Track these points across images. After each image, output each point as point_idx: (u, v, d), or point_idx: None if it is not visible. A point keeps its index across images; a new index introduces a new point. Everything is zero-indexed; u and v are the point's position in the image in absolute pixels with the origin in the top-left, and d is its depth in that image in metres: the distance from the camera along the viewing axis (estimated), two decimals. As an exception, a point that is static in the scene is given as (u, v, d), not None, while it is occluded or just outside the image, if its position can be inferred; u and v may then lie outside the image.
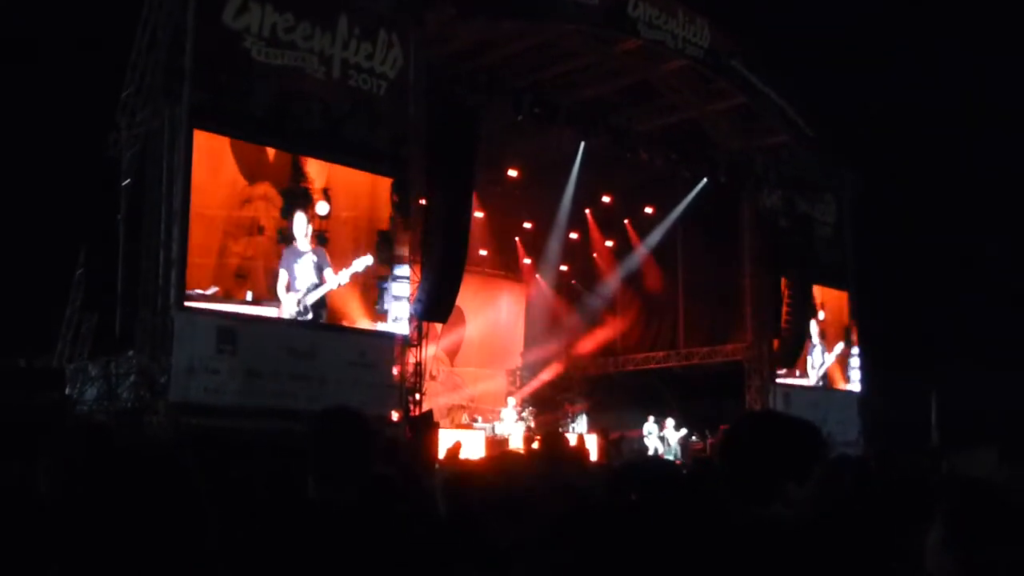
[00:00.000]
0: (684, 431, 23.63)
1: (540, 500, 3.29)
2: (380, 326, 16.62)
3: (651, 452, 22.91)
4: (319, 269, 15.95)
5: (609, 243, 29.09)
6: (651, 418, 23.65)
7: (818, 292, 25.77)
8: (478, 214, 24.27)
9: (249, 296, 15.11)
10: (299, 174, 15.90)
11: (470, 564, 2.92)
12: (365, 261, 16.47)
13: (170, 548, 1.79)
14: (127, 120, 16.09)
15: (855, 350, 26.97)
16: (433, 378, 21.81)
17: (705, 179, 25.03)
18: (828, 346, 26.28)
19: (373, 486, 3.10)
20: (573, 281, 29.56)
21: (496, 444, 20.05)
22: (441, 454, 14.66)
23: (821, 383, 25.84)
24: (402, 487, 4.89)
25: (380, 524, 2.96)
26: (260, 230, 15.35)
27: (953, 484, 2.20)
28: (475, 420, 22.96)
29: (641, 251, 28.06)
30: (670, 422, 23.46)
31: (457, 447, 12.11)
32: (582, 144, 23.66)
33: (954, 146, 27.12)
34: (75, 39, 18.62)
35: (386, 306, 16.69)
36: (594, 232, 28.76)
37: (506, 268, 28.24)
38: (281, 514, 3.04)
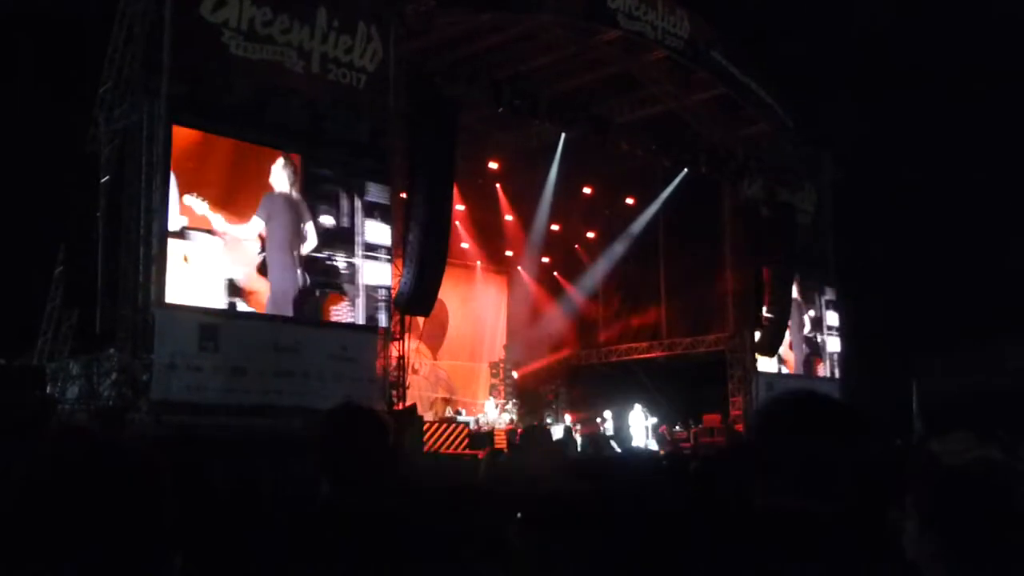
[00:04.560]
0: (655, 420, 23.76)
1: (519, 490, 3.28)
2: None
3: (634, 442, 23.00)
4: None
5: (591, 234, 29.10)
6: (637, 406, 23.75)
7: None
8: (459, 206, 24.24)
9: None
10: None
11: (473, 552, 2.84)
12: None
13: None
14: (105, 115, 15.93)
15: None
16: (416, 371, 21.79)
17: (686, 169, 25.03)
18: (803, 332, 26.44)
19: (397, 489, 2.78)
20: (555, 272, 29.56)
21: (479, 436, 20.04)
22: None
23: (801, 370, 25.96)
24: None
25: (409, 529, 2.68)
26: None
27: (921, 471, 2.12)
28: (458, 413, 22.96)
29: (623, 242, 28.08)
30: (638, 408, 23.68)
31: None
32: (563, 135, 23.61)
33: (935, 136, 27.21)
34: (51, 34, 18.45)
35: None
36: (576, 223, 28.75)
37: (488, 260, 28.21)
38: (302, 522, 2.73)
